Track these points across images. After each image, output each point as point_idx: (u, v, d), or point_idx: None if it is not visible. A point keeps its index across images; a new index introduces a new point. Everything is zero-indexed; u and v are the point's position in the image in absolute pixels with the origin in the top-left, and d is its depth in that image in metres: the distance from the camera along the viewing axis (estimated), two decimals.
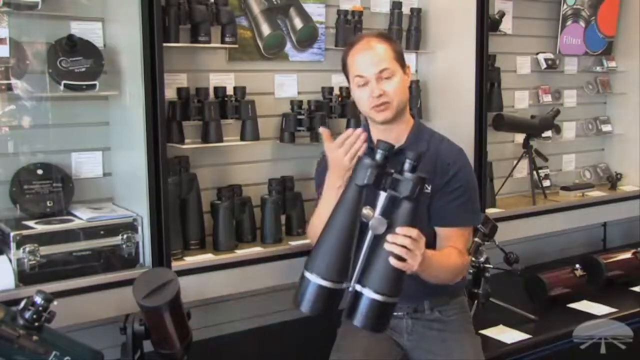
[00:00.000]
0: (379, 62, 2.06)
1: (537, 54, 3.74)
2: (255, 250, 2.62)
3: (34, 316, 1.79)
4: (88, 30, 2.42)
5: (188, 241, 2.59)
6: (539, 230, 3.53)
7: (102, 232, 2.28)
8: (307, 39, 2.93)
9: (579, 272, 3.11)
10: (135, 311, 2.07)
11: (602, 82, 4.05)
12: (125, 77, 2.39)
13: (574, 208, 3.60)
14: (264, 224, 2.72)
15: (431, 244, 2.09)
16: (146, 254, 2.34)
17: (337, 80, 2.99)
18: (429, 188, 2.10)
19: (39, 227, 2.22)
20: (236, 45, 2.70)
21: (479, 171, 3.02)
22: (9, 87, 2.24)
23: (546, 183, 3.73)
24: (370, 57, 2.07)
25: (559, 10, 3.77)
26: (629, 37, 4.03)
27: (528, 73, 3.73)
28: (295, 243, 2.67)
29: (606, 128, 4.08)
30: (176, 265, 2.38)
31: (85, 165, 2.49)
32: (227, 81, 2.73)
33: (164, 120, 2.32)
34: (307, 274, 1.71)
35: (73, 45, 2.33)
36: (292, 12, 2.89)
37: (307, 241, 2.52)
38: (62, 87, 2.29)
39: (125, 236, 2.31)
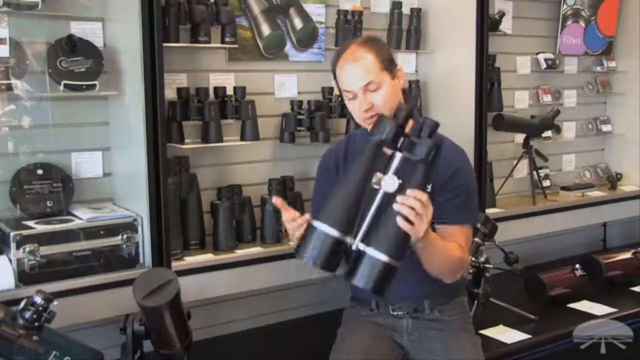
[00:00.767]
0: (365, 76, 2.02)
1: (537, 54, 3.74)
2: (255, 250, 2.62)
3: (34, 316, 1.79)
4: (88, 30, 2.42)
5: (188, 241, 2.59)
6: (539, 230, 3.53)
7: (102, 232, 2.28)
8: (307, 39, 2.93)
9: (579, 272, 3.11)
10: (135, 311, 2.07)
11: (602, 82, 4.05)
12: (125, 77, 2.39)
13: (574, 208, 3.60)
14: (264, 224, 2.72)
15: None
16: (146, 254, 2.34)
17: None
18: (429, 187, 2.09)
19: (39, 227, 2.22)
20: (236, 45, 2.70)
21: (479, 171, 3.02)
22: (9, 87, 2.25)
23: (546, 183, 3.73)
24: (356, 70, 2.03)
25: (559, 10, 3.77)
26: (629, 37, 4.03)
27: (528, 73, 3.73)
28: (295, 243, 2.67)
29: (606, 128, 4.08)
30: (176, 265, 2.38)
31: (85, 165, 2.49)
32: (227, 81, 2.74)
33: (164, 120, 2.32)
34: (315, 223, 1.67)
35: (73, 45, 2.33)
36: (292, 12, 2.89)
37: None
38: (62, 87, 2.30)
39: (125, 236, 2.31)
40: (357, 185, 1.69)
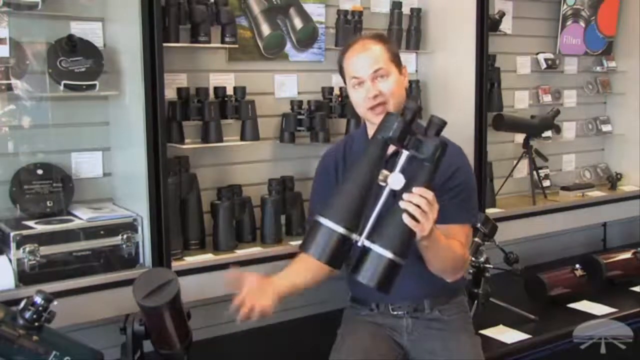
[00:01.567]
0: (374, 63, 2.06)
1: (537, 54, 3.74)
2: (255, 250, 2.62)
3: (34, 316, 1.79)
4: (88, 30, 2.42)
5: (188, 241, 2.59)
6: (539, 230, 3.53)
7: (102, 232, 2.28)
8: (307, 39, 2.93)
9: (579, 272, 3.11)
10: (135, 311, 2.07)
11: (602, 82, 4.05)
12: (125, 77, 2.39)
13: (574, 208, 3.60)
14: (264, 224, 2.72)
15: None
16: (146, 254, 2.34)
17: (337, 80, 2.98)
18: None
19: (39, 227, 2.22)
20: (236, 45, 2.70)
21: (479, 171, 3.02)
22: (9, 87, 2.24)
23: (546, 183, 3.73)
24: (365, 58, 2.07)
25: (559, 10, 3.77)
26: (629, 37, 4.03)
27: (528, 73, 3.73)
28: (295, 243, 2.67)
29: (606, 128, 4.08)
30: (176, 265, 2.38)
31: (85, 165, 2.49)
32: (227, 81, 2.74)
33: (164, 120, 2.32)
34: (321, 219, 1.67)
35: (73, 45, 2.33)
36: (292, 12, 2.89)
37: None
38: (62, 87, 2.30)
39: (125, 236, 2.31)
40: (363, 182, 1.70)
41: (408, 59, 3.26)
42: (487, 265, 2.70)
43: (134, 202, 2.38)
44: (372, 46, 2.09)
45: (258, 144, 2.75)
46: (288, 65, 2.92)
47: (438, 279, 2.07)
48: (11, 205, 2.32)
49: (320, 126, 2.82)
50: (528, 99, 3.74)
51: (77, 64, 2.33)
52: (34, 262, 2.15)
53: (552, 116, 3.57)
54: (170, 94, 2.55)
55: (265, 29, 2.82)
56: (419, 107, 1.76)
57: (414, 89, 3.16)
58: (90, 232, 2.27)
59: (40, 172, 2.36)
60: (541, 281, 3.01)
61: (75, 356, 1.86)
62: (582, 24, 3.89)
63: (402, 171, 1.71)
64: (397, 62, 2.12)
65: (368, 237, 1.69)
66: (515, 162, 3.60)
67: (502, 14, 3.40)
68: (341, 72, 2.17)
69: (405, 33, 3.19)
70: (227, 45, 2.68)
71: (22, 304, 1.81)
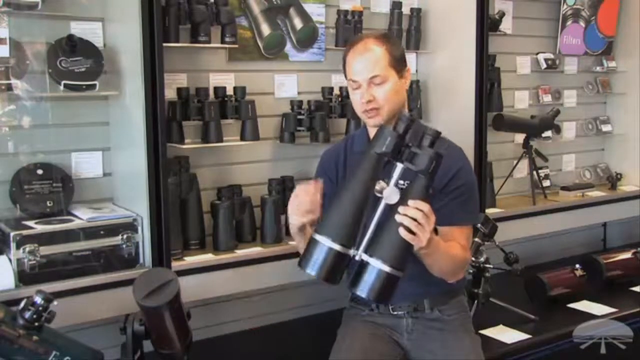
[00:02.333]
0: (372, 68, 2.06)
1: (537, 54, 3.74)
2: (255, 250, 2.62)
3: (34, 316, 1.79)
4: (88, 30, 2.42)
5: (188, 241, 2.59)
6: (539, 230, 3.53)
7: (102, 232, 2.28)
8: (307, 39, 2.93)
9: (579, 272, 3.11)
10: (135, 311, 2.07)
11: (602, 82, 4.05)
12: (125, 77, 2.39)
13: (574, 208, 3.60)
14: (264, 224, 2.72)
15: None
16: (146, 254, 2.34)
17: (337, 80, 2.99)
18: (430, 189, 2.10)
19: (39, 227, 2.22)
20: (236, 45, 2.70)
21: (479, 171, 3.02)
22: (9, 87, 2.24)
23: (546, 183, 3.73)
24: (364, 61, 2.07)
25: (559, 10, 3.76)
26: (629, 37, 4.03)
27: (528, 73, 3.73)
28: (295, 243, 2.67)
29: (606, 128, 4.08)
30: (176, 265, 2.38)
31: (85, 165, 2.49)
32: (227, 81, 2.73)
33: (164, 120, 2.32)
34: (317, 236, 1.69)
35: (73, 45, 2.33)
36: (292, 12, 2.89)
37: None
38: (62, 87, 2.30)
39: (125, 236, 2.31)
40: (358, 198, 1.71)
41: (408, 59, 3.23)
42: (487, 265, 2.70)
43: (134, 202, 2.38)
44: (374, 48, 2.08)
45: (258, 144, 2.75)
46: (288, 65, 2.92)
47: (438, 279, 2.08)
48: (11, 205, 2.32)
49: (320, 126, 2.82)
50: (528, 99, 3.74)
51: (77, 64, 2.33)
52: (34, 262, 2.15)
53: (552, 116, 3.57)
54: (170, 94, 2.55)
55: (265, 29, 2.82)
56: (411, 119, 1.75)
57: (414, 89, 3.16)
58: (90, 232, 2.27)
59: (40, 172, 2.36)
60: (541, 281, 3.01)
61: (75, 356, 1.86)
62: (582, 24, 3.89)
63: (397, 184, 1.72)
64: (398, 65, 2.10)
65: (365, 251, 1.71)
66: (515, 162, 3.60)
67: (502, 14, 3.40)
68: (343, 68, 2.17)
69: (405, 33, 3.19)
70: (227, 45, 2.68)
71: (22, 304, 1.81)
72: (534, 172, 3.56)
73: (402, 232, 1.70)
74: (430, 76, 3.27)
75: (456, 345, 2.18)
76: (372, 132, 2.17)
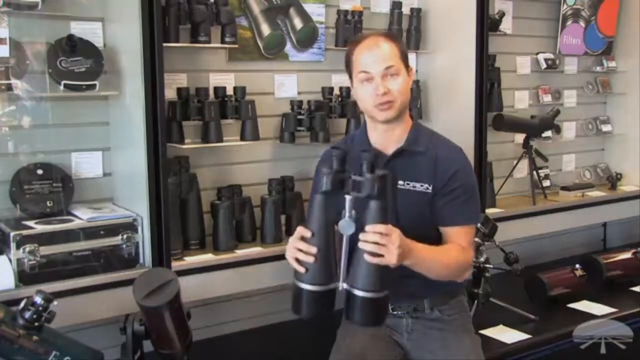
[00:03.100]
0: (386, 60, 2.05)
1: (537, 54, 3.74)
2: (255, 250, 2.62)
3: (34, 316, 1.79)
4: (88, 30, 2.42)
5: (188, 241, 2.59)
6: (539, 230, 3.53)
7: (102, 232, 2.28)
8: (307, 39, 2.93)
9: (579, 272, 3.11)
10: (135, 311, 2.07)
11: (602, 82, 4.05)
12: (125, 77, 2.39)
13: (574, 208, 3.60)
14: (264, 224, 2.72)
15: (434, 241, 2.09)
16: (146, 254, 2.34)
17: (337, 80, 2.99)
18: (430, 188, 2.10)
19: (39, 227, 2.22)
20: (236, 45, 2.70)
21: (479, 171, 3.02)
22: (9, 87, 2.24)
23: (546, 183, 3.73)
24: (377, 54, 2.06)
25: (559, 10, 3.77)
26: (629, 37, 4.03)
27: (528, 73, 3.73)
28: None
29: (606, 128, 4.08)
30: (176, 265, 2.38)
31: (85, 165, 2.49)
32: (227, 81, 2.73)
33: (164, 120, 2.32)
34: (298, 283, 1.80)
35: (73, 45, 2.33)
36: (292, 12, 2.89)
37: None
38: (62, 87, 2.30)
39: (125, 236, 2.31)
40: (322, 238, 1.77)
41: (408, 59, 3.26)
42: (487, 265, 2.70)
43: (134, 202, 2.38)
44: (384, 43, 2.08)
45: (258, 144, 2.75)
46: (288, 65, 2.92)
47: (437, 279, 2.07)
48: (11, 205, 2.32)
49: (320, 126, 2.82)
50: (528, 99, 3.74)
51: (77, 64, 2.33)
52: (34, 262, 2.15)
53: (552, 116, 3.57)
54: (170, 94, 2.55)
55: (265, 29, 2.82)
56: (345, 152, 1.79)
57: (414, 89, 3.16)
58: (90, 232, 2.27)
59: (40, 172, 2.36)
60: (541, 281, 3.02)
61: (75, 356, 1.86)
62: (582, 24, 3.89)
63: (352, 214, 1.75)
64: (406, 62, 2.11)
65: (345, 281, 1.78)
66: (515, 162, 3.60)
67: (502, 14, 3.40)
68: (348, 66, 2.14)
69: (405, 33, 3.19)
70: (227, 45, 2.68)
71: (22, 304, 1.81)
72: (534, 172, 3.56)
73: (368, 257, 1.75)
74: (430, 76, 3.27)
75: (456, 345, 2.18)
76: (375, 132, 2.16)
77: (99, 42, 2.43)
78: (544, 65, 3.73)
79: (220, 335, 2.77)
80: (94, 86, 2.34)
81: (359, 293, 1.76)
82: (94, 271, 2.26)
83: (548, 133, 3.68)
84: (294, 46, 2.91)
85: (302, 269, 1.79)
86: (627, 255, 3.39)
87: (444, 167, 2.10)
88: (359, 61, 2.08)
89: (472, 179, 2.19)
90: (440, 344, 2.18)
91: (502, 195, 3.54)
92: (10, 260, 2.16)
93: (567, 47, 3.84)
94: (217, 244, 2.63)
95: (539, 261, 3.63)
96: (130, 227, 2.33)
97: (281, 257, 2.56)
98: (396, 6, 3.13)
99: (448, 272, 2.07)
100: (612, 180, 3.96)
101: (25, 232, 2.17)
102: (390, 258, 1.75)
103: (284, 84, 2.91)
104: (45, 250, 2.18)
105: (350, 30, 2.95)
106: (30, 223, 2.25)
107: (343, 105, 2.92)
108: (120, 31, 2.40)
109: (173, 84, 2.59)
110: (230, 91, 2.68)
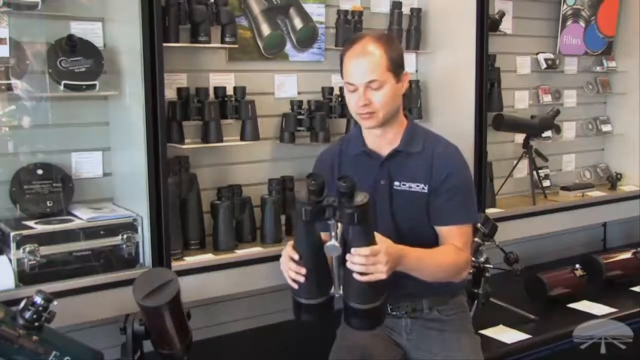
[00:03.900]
0: (370, 72, 2.01)
1: (537, 54, 3.75)
2: (255, 250, 2.62)
3: (34, 316, 1.79)
4: (88, 30, 2.42)
5: (188, 241, 2.59)
6: (539, 230, 3.53)
7: (102, 232, 2.28)
8: (307, 39, 2.93)
9: (579, 272, 3.11)
10: (135, 311, 2.07)
11: (602, 82, 4.05)
12: (125, 77, 2.39)
13: (574, 208, 3.60)
14: (264, 224, 2.72)
15: (433, 240, 2.09)
16: (146, 254, 2.34)
17: (337, 80, 2.99)
18: (426, 187, 2.10)
19: (39, 227, 2.22)
20: (236, 45, 2.70)
21: (479, 171, 3.02)
22: (9, 87, 2.24)
23: (546, 183, 3.73)
24: (362, 66, 2.02)
25: (559, 10, 3.77)
26: (629, 37, 4.03)
27: (528, 73, 3.73)
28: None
29: (606, 128, 4.08)
30: (176, 265, 2.38)
31: (85, 165, 2.49)
32: (227, 81, 2.74)
33: (164, 120, 2.32)
34: (297, 299, 1.86)
35: (73, 45, 2.33)
36: (292, 12, 2.89)
37: None
38: (62, 87, 2.29)
39: (125, 236, 2.31)
40: (310, 260, 1.81)
41: (408, 59, 3.23)
42: (487, 265, 2.70)
43: (134, 202, 2.38)
44: (373, 50, 2.02)
45: (258, 144, 2.75)
46: (288, 65, 2.92)
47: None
48: (11, 205, 2.32)
49: (320, 126, 2.82)
50: (528, 99, 3.74)
51: (77, 64, 2.33)
52: (34, 262, 2.15)
53: (552, 116, 3.57)
54: (170, 94, 2.55)
55: (265, 29, 2.82)
56: (322, 182, 1.76)
57: (414, 89, 3.16)
58: (90, 232, 2.27)
59: (40, 172, 2.36)
60: (541, 281, 3.01)
61: (75, 356, 1.85)
62: (582, 24, 3.89)
63: (337, 237, 1.77)
64: (396, 70, 2.05)
65: (340, 291, 1.83)
66: (515, 162, 3.60)
67: (502, 14, 3.40)
68: (341, 68, 2.13)
69: (405, 33, 3.19)
70: (227, 45, 2.68)
71: (22, 304, 1.81)
72: (534, 172, 3.57)
73: (358, 277, 1.77)
74: (430, 76, 3.27)
75: (455, 346, 2.18)
76: (369, 133, 2.16)
77: (99, 42, 2.43)
78: (544, 65, 3.73)
79: (220, 335, 2.77)
80: (94, 86, 2.34)
81: (355, 305, 1.80)
82: (94, 271, 2.26)
83: (548, 133, 3.68)
84: (294, 46, 2.91)
85: (295, 285, 1.83)
86: (627, 255, 3.39)
87: (439, 166, 2.10)
88: (346, 69, 2.07)
89: (467, 178, 2.18)
90: (440, 344, 2.18)
91: (502, 195, 3.54)
92: (10, 260, 2.16)
93: (567, 47, 3.84)
94: (217, 244, 2.63)
95: (539, 261, 3.62)
96: (130, 227, 2.33)
97: (281, 257, 2.59)
98: (396, 6, 3.13)
99: (444, 274, 2.06)
100: (612, 180, 3.96)
101: (25, 232, 2.17)
102: (379, 275, 1.77)
103: (284, 84, 2.91)
104: (45, 250, 2.18)
105: (350, 30, 2.95)
106: (30, 223, 2.26)
107: (343, 105, 2.91)
108: (120, 31, 2.40)
109: (173, 84, 2.59)
110: (230, 91, 2.68)
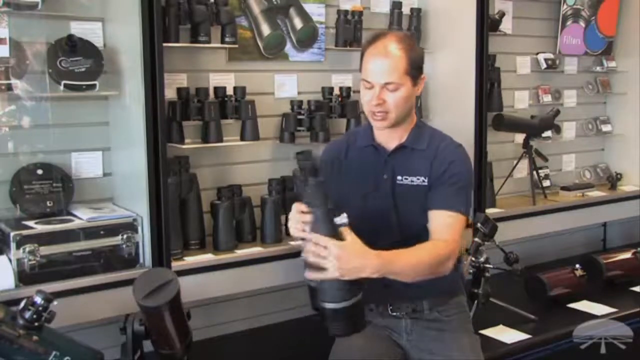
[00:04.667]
0: (388, 74, 2.03)
1: (537, 54, 3.74)
2: (255, 250, 2.62)
3: (34, 316, 1.79)
4: (88, 30, 2.42)
5: (188, 241, 2.59)
6: (539, 230, 3.53)
7: (102, 232, 2.28)
8: (307, 39, 2.93)
9: (579, 272, 3.11)
10: (135, 311, 2.07)
11: (602, 82, 4.05)
12: (125, 77, 2.39)
13: (574, 208, 3.60)
14: (264, 224, 2.72)
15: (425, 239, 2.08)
16: (146, 254, 2.34)
17: (337, 80, 2.99)
18: (426, 180, 2.11)
19: (39, 227, 2.22)
20: (236, 45, 2.70)
21: (479, 171, 3.02)
22: (9, 87, 2.24)
23: (546, 183, 3.73)
24: (381, 66, 2.04)
25: (559, 10, 3.76)
26: (629, 37, 4.03)
27: (528, 73, 3.73)
28: (295, 243, 2.67)
29: (606, 128, 4.08)
30: (176, 265, 2.38)
31: (85, 165, 2.49)
32: (227, 81, 2.73)
33: (164, 120, 2.32)
34: (323, 304, 1.80)
35: (73, 45, 2.33)
36: (292, 12, 2.89)
37: None
38: (62, 87, 2.29)
39: (125, 236, 2.31)
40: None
41: None
42: (487, 265, 2.70)
43: (134, 202, 2.38)
44: (394, 51, 2.04)
45: (258, 144, 2.75)
46: (288, 65, 2.92)
47: (436, 280, 2.06)
48: (11, 205, 2.32)
49: (320, 126, 2.82)
50: (528, 99, 3.74)
51: (77, 64, 2.33)
52: (34, 262, 2.15)
53: (552, 116, 3.57)
54: (170, 94, 2.55)
55: (265, 29, 2.82)
56: (314, 163, 1.81)
57: None
58: (90, 232, 2.27)
59: (40, 172, 2.36)
60: (541, 281, 3.02)
61: (75, 356, 1.86)
62: (582, 24, 3.89)
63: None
64: (414, 73, 2.07)
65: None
66: (515, 162, 3.60)
67: (502, 14, 3.40)
68: (361, 62, 2.14)
69: None
70: (227, 45, 2.68)
71: (22, 304, 1.81)
72: (534, 172, 3.57)
73: (309, 274, 1.78)
74: (430, 76, 3.26)
75: (455, 346, 2.18)
76: (376, 127, 2.17)
77: (99, 42, 2.43)
78: (544, 65, 3.73)
79: (220, 335, 2.77)
80: (94, 86, 2.34)
81: (326, 305, 1.78)
82: (94, 271, 2.26)
83: (548, 133, 3.68)
84: (294, 46, 2.91)
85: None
86: (627, 255, 3.39)
87: (440, 160, 2.12)
88: (365, 66, 2.09)
89: (467, 172, 2.19)
90: (440, 344, 2.19)
91: (502, 195, 3.54)
92: (10, 260, 2.16)
93: (567, 47, 3.84)
94: (217, 244, 2.63)
95: (539, 261, 3.63)
96: (130, 227, 2.33)
97: (281, 257, 2.60)
98: (396, 6, 3.13)
99: (425, 272, 1.99)
100: (612, 180, 3.96)
101: (25, 232, 2.17)
102: (335, 270, 1.75)
103: (284, 84, 2.91)
104: (45, 250, 2.18)
105: (350, 30, 2.95)
106: (30, 223, 2.25)
107: (343, 105, 2.92)
108: (120, 31, 2.40)
109: (173, 84, 2.59)
110: (230, 91, 2.68)
